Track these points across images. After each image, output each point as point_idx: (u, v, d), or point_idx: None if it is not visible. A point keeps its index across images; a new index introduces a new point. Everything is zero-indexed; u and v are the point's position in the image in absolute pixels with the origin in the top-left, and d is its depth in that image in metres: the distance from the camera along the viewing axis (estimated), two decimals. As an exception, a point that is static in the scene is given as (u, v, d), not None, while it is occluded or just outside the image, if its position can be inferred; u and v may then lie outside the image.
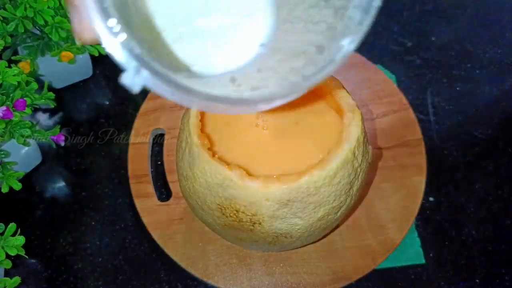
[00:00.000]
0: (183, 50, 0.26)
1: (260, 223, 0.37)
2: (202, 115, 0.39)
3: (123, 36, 0.20)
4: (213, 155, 0.36)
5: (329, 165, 0.35)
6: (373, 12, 0.23)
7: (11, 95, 0.46)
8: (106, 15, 0.20)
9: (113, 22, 0.20)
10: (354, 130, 0.36)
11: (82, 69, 0.58)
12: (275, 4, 0.27)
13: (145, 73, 0.20)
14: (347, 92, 0.39)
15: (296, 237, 0.39)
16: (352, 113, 0.37)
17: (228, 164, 0.35)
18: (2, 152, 0.47)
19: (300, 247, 0.46)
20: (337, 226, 0.49)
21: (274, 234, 0.38)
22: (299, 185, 0.34)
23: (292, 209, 0.36)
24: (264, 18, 0.27)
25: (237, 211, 0.36)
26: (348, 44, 0.23)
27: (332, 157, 0.35)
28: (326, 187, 0.35)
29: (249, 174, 0.35)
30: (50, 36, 0.49)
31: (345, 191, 0.37)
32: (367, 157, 0.38)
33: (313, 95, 0.42)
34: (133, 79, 0.21)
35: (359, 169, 0.37)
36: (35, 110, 0.56)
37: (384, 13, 0.65)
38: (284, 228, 0.37)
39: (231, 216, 0.37)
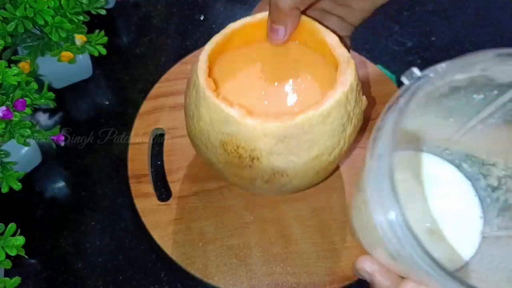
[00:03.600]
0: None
1: (258, 159, 0.39)
2: (210, 63, 0.41)
3: None
4: (217, 96, 0.38)
5: (323, 105, 0.37)
6: None
7: (11, 95, 0.46)
8: None
9: None
10: (348, 77, 0.39)
11: (82, 69, 0.58)
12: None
13: None
14: (345, 47, 0.41)
15: (292, 176, 0.40)
16: (346, 63, 0.40)
17: (230, 103, 0.38)
18: (2, 152, 0.47)
19: (297, 192, 0.47)
20: (331, 173, 0.50)
21: (271, 171, 0.40)
22: (295, 123, 0.37)
23: (288, 145, 0.38)
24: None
25: (237, 146, 0.38)
26: None
27: (327, 98, 0.38)
28: (320, 125, 0.37)
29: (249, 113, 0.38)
30: (50, 36, 0.49)
31: (338, 132, 0.39)
32: (360, 104, 0.41)
33: (313, 51, 0.44)
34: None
35: (351, 113, 0.39)
36: (35, 110, 0.56)
37: (384, 13, 0.65)
38: (280, 165, 0.39)
39: (232, 152, 0.39)
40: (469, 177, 0.36)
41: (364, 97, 0.42)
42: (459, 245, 0.34)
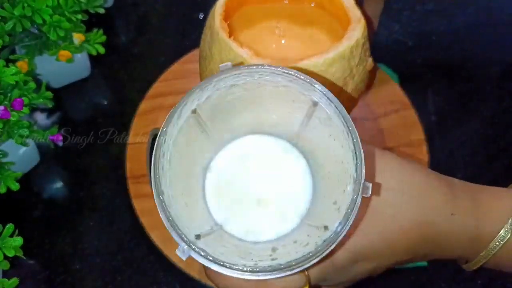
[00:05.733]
0: (234, 226, 0.35)
1: None
2: (229, 13, 0.43)
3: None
4: (229, 36, 0.40)
5: (327, 54, 0.39)
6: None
7: (8, 94, 0.46)
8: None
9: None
10: (355, 33, 0.40)
11: (80, 68, 0.57)
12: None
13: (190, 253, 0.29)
14: (359, 8, 0.43)
15: None
16: (357, 22, 0.41)
17: (241, 44, 0.40)
18: (0, 152, 0.47)
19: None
20: None
21: None
22: (299, 67, 0.38)
23: None
24: (304, 198, 0.35)
25: None
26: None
27: (332, 49, 0.39)
28: (322, 74, 0.39)
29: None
30: (48, 35, 0.49)
31: (338, 86, 0.40)
32: (364, 64, 0.42)
33: (329, 14, 0.46)
34: (182, 253, 0.29)
35: (355, 70, 0.41)
36: (33, 110, 0.56)
37: (385, 13, 0.65)
38: None
39: None
40: (313, 173, 0.37)
41: (370, 59, 0.43)
42: (283, 219, 0.35)
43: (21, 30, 0.47)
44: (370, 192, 0.29)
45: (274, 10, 0.47)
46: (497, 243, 0.33)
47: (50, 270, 0.49)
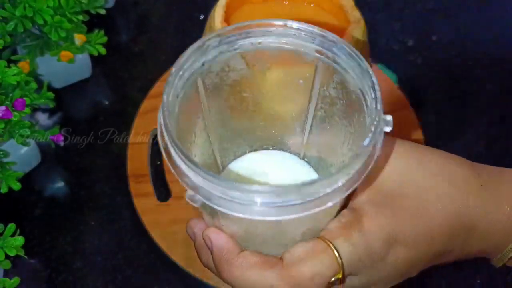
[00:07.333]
0: None
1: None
2: (228, 13, 0.43)
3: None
4: None
5: None
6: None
7: (10, 95, 0.46)
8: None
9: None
10: (355, 32, 0.41)
11: (82, 68, 0.57)
12: None
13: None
14: (358, 9, 0.44)
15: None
16: (356, 23, 0.42)
17: None
18: (1, 152, 0.47)
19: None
20: None
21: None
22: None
23: None
24: None
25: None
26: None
27: None
28: None
29: None
30: (50, 36, 0.49)
31: None
32: None
33: (328, 14, 0.46)
34: (193, 197, 0.26)
35: None
36: (34, 110, 0.56)
37: (384, 12, 0.65)
38: None
39: None
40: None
41: (369, 59, 0.44)
42: None
43: (22, 30, 0.48)
44: (391, 126, 0.29)
45: (274, 10, 0.47)
46: None
47: (51, 269, 0.49)
